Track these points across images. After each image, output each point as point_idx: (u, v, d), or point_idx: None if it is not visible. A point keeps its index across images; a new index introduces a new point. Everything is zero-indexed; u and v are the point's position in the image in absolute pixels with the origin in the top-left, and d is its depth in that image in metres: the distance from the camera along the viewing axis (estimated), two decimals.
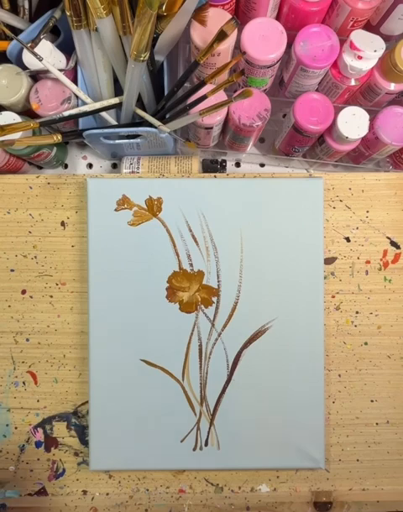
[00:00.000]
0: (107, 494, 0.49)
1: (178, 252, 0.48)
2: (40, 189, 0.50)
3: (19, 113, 0.45)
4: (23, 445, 0.49)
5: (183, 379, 0.47)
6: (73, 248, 0.50)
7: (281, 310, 0.47)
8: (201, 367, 0.47)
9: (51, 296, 0.50)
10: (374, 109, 0.46)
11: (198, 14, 0.40)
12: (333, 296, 0.49)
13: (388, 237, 0.50)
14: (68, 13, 0.40)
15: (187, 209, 0.48)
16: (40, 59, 0.42)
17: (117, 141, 0.47)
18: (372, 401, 0.49)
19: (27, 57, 0.43)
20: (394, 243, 0.50)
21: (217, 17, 0.41)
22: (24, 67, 0.44)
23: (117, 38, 0.42)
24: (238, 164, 0.56)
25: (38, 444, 0.49)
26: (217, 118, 0.45)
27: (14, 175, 0.51)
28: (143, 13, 0.36)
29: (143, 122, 0.46)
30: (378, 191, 0.50)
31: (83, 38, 0.43)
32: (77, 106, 0.47)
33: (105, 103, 0.46)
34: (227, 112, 0.45)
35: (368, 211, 0.50)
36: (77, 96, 0.46)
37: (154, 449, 0.47)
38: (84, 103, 0.46)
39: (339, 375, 0.49)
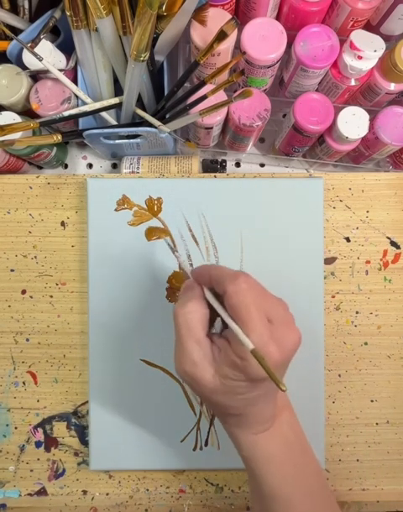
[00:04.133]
0: (107, 494, 0.49)
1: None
2: (40, 189, 0.50)
3: (19, 113, 0.45)
4: (23, 445, 0.49)
5: None
6: (73, 248, 0.50)
7: None
8: None
9: (51, 296, 0.50)
10: (374, 109, 0.46)
11: (198, 14, 0.40)
12: (333, 296, 0.49)
13: (388, 237, 0.50)
14: (68, 13, 0.41)
15: (187, 209, 0.48)
16: (40, 59, 0.42)
17: (117, 141, 0.47)
18: (372, 401, 0.49)
19: (27, 57, 0.43)
20: (394, 243, 0.50)
21: (217, 17, 0.41)
22: (24, 67, 0.44)
23: (117, 38, 0.42)
24: (238, 164, 0.56)
25: (38, 444, 0.49)
26: (217, 118, 0.45)
27: (14, 174, 0.51)
28: (143, 12, 0.36)
29: (143, 122, 0.46)
30: (378, 191, 0.50)
31: (83, 38, 0.43)
32: (77, 106, 0.47)
33: (105, 103, 0.46)
34: (227, 112, 0.45)
35: (368, 211, 0.50)
36: (77, 96, 0.46)
37: (154, 449, 0.47)
38: (84, 103, 0.46)
39: (339, 375, 0.49)
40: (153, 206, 0.48)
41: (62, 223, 0.50)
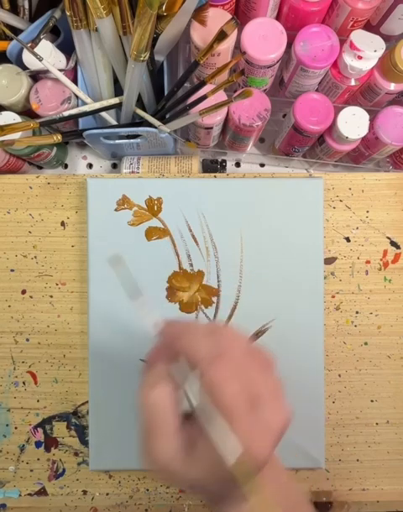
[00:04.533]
0: (107, 494, 0.49)
1: (178, 252, 0.48)
2: (40, 189, 0.50)
3: (19, 113, 0.45)
4: (23, 445, 0.49)
5: None
6: (73, 248, 0.50)
7: (281, 310, 0.47)
8: None
9: (51, 296, 0.50)
10: (374, 109, 0.46)
11: (198, 14, 0.40)
12: (333, 296, 0.49)
13: (388, 237, 0.50)
14: (68, 13, 0.41)
15: (187, 209, 0.48)
16: (40, 59, 0.42)
17: (117, 141, 0.47)
18: (372, 401, 0.49)
19: (27, 57, 0.43)
20: (394, 243, 0.50)
21: (217, 17, 0.41)
22: (24, 67, 0.44)
23: (117, 38, 0.42)
24: (238, 164, 0.56)
25: (38, 444, 0.49)
26: (217, 118, 0.45)
27: (14, 174, 0.50)
28: (143, 13, 0.36)
29: (143, 122, 0.46)
30: (378, 191, 0.50)
31: (83, 38, 0.43)
32: (77, 106, 0.47)
33: (105, 103, 0.46)
34: (227, 112, 0.45)
35: (368, 211, 0.50)
36: (77, 96, 0.46)
37: None
38: (84, 103, 0.46)
39: (339, 375, 0.49)
40: (153, 206, 0.48)
41: (62, 223, 0.50)
